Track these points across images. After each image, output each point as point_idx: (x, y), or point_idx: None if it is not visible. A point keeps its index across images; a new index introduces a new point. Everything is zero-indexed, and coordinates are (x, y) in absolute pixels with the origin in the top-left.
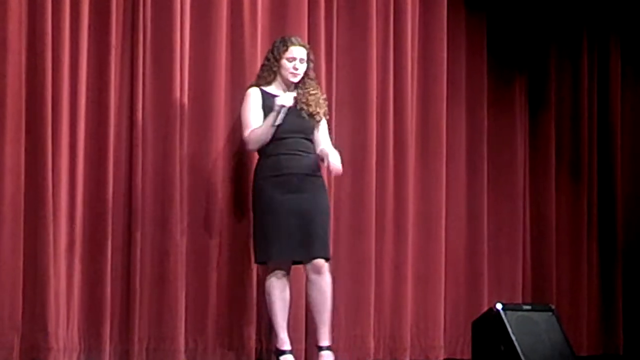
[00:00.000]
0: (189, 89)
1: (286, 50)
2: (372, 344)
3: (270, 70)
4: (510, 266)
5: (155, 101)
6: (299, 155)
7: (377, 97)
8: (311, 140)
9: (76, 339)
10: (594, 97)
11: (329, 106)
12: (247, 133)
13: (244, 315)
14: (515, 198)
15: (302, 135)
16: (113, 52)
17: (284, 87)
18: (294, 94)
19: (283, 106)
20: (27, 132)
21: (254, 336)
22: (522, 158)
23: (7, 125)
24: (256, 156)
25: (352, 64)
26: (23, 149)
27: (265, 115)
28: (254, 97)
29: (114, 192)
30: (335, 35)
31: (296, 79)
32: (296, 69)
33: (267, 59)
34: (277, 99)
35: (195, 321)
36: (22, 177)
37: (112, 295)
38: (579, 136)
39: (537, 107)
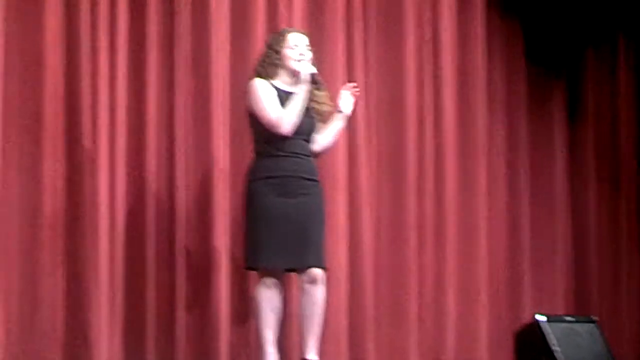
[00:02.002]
0: (227, 99)
1: (284, 39)
2: (413, 356)
3: (272, 64)
4: (552, 277)
5: (194, 113)
6: (299, 157)
7: (415, 107)
8: (309, 142)
9: (119, 352)
10: (632, 101)
11: (368, 116)
12: (275, 115)
13: (285, 327)
14: (556, 207)
15: (304, 137)
16: (151, 66)
17: (289, 79)
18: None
19: (313, 74)
20: (65, 149)
21: (296, 346)
22: (562, 166)
23: (45, 144)
24: None
25: (389, 73)
26: (61, 166)
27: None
28: (266, 85)
29: (155, 207)
30: (372, 45)
31: (298, 68)
32: (302, 55)
33: (265, 55)
34: (301, 67)
35: (238, 334)
36: (61, 194)
37: (155, 308)
38: (618, 142)
39: (576, 113)
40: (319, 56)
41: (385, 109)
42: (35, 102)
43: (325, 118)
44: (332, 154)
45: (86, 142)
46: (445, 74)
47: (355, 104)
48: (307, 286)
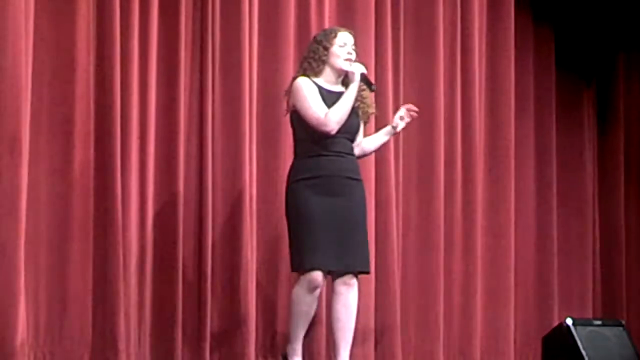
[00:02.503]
0: (258, 106)
1: (335, 37)
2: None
3: (318, 60)
4: (580, 281)
5: (224, 117)
6: (342, 157)
7: (444, 112)
8: (353, 141)
9: (148, 356)
10: None
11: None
12: (322, 114)
13: (313, 330)
14: (585, 212)
15: (348, 136)
16: (182, 70)
17: (334, 78)
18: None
19: (363, 73)
20: (96, 151)
21: (323, 351)
22: (591, 172)
23: (75, 145)
24: None
25: (419, 79)
26: (92, 167)
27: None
28: (310, 84)
29: (184, 210)
30: (402, 51)
31: (349, 66)
32: (350, 54)
33: (312, 50)
34: (353, 67)
35: (265, 337)
36: (91, 196)
37: (184, 312)
38: None
39: (606, 120)
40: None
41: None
42: (66, 104)
43: (367, 119)
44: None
45: (116, 144)
46: (475, 80)
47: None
48: (341, 288)
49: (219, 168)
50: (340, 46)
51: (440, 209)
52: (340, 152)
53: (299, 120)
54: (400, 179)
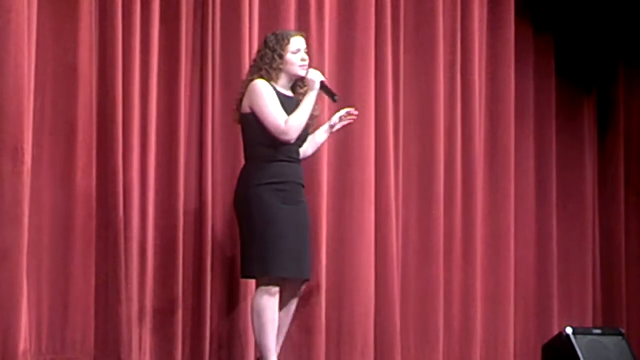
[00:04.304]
0: None
1: (288, 43)
2: None
3: (276, 68)
4: (580, 289)
5: (225, 123)
6: (296, 163)
7: (444, 120)
8: (301, 147)
9: None
10: None
11: (397, 128)
12: (282, 122)
13: (312, 338)
14: (585, 220)
15: (299, 142)
16: (183, 77)
17: (287, 83)
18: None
19: (323, 81)
20: (98, 158)
21: (323, 359)
22: (591, 179)
23: (77, 153)
24: None
25: (419, 86)
26: (94, 175)
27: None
28: (270, 88)
29: (184, 218)
30: (402, 57)
31: (304, 72)
32: (304, 60)
33: (268, 57)
34: (311, 74)
35: None
36: (94, 203)
37: (184, 320)
38: None
39: (606, 128)
40: (350, 71)
41: (415, 121)
42: (68, 111)
43: (314, 123)
44: (361, 165)
45: (118, 151)
46: (476, 88)
47: (350, 125)
48: (293, 299)
49: (219, 174)
50: (294, 52)
51: (439, 217)
52: (295, 158)
53: (256, 123)
54: (400, 187)
